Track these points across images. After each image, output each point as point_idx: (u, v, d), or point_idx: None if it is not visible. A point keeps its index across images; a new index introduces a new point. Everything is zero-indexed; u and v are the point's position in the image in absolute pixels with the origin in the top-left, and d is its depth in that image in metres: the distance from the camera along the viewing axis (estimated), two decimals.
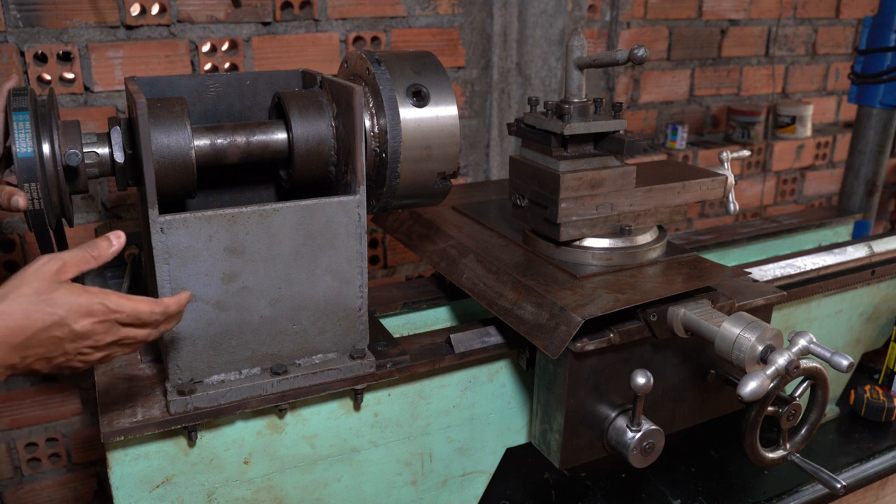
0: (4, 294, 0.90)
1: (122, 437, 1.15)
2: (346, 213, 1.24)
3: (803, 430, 1.42)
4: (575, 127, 1.35)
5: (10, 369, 0.92)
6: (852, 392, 1.99)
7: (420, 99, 1.27)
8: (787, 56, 3.12)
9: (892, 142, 2.20)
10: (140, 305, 0.98)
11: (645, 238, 1.47)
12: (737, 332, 1.22)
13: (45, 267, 0.94)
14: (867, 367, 2.13)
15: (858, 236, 2.25)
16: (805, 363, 1.26)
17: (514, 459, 1.61)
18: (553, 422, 1.36)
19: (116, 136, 1.20)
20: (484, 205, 1.81)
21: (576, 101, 1.39)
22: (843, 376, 1.95)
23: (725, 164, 1.64)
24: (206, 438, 1.24)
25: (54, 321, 0.91)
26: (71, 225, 1.26)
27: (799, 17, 3.08)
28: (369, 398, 1.36)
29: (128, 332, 0.99)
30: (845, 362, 1.18)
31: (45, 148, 1.11)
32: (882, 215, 3.52)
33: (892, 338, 1.98)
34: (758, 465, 1.69)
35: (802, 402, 1.37)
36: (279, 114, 1.33)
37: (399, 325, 1.68)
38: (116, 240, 1.01)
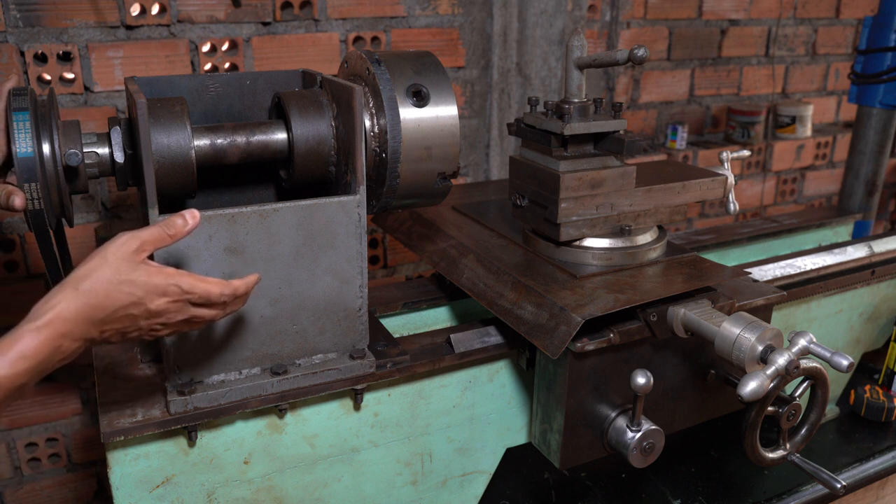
0: (87, 273, 0.95)
1: (122, 437, 1.15)
2: (346, 213, 1.24)
3: (803, 430, 1.42)
4: (575, 127, 1.35)
5: (88, 342, 0.97)
6: (852, 392, 1.99)
7: (420, 99, 1.27)
8: (787, 56, 3.12)
9: (892, 142, 2.20)
10: (211, 287, 1.03)
11: (645, 238, 1.47)
12: (737, 332, 1.22)
13: (124, 246, 0.98)
14: (867, 367, 2.13)
15: (858, 236, 2.25)
16: (805, 363, 1.26)
17: (514, 459, 1.61)
18: (553, 422, 1.36)
19: (116, 136, 1.20)
20: (484, 205, 1.81)
21: (576, 101, 1.39)
22: (843, 376, 1.95)
23: (725, 164, 1.64)
24: (206, 438, 1.24)
25: (132, 301, 0.97)
26: (71, 225, 1.26)
27: (799, 17, 3.08)
28: (369, 398, 1.36)
29: (197, 312, 1.04)
30: (845, 362, 1.18)
31: (45, 148, 1.11)
32: (882, 215, 3.52)
33: (892, 338, 1.98)
34: (758, 465, 1.69)
35: (802, 402, 1.37)
36: (279, 114, 1.33)
37: (399, 325, 1.68)
38: (192, 218, 1.04)
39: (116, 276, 0.95)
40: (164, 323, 1.02)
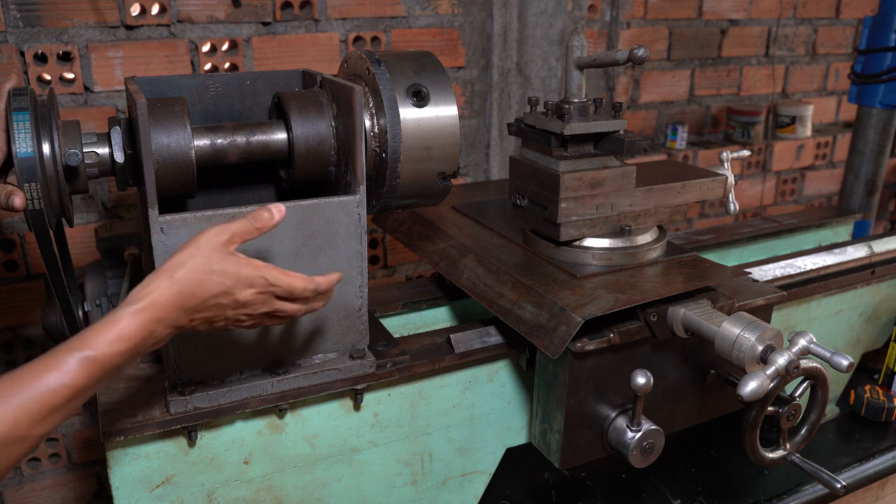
0: (181, 262, 0.98)
1: (122, 437, 1.15)
2: (346, 213, 1.24)
3: (803, 430, 1.42)
4: (575, 127, 1.35)
5: (179, 329, 1.00)
6: (852, 392, 1.99)
7: (420, 99, 1.27)
8: (787, 56, 3.12)
9: (892, 142, 2.20)
10: (295, 282, 1.06)
11: (645, 238, 1.47)
12: (737, 332, 1.22)
13: (216, 237, 1.01)
14: (867, 367, 2.13)
15: (858, 236, 2.25)
16: (805, 363, 1.26)
17: (514, 459, 1.61)
18: (553, 422, 1.36)
19: (116, 136, 1.20)
20: (484, 205, 1.81)
21: (576, 101, 1.39)
22: (843, 376, 1.95)
23: (725, 164, 1.64)
24: (206, 438, 1.24)
25: (223, 290, 1.00)
26: (71, 225, 1.26)
27: (799, 17, 3.08)
28: (369, 398, 1.36)
29: (281, 305, 1.07)
30: (845, 362, 1.18)
31: (45, 148, 1.11)
32: (882, 215, 3.53)
33: (892, 338, 1.98)
34: (758, 465, 1.69)
35: (802, 402, 1.37)
36: (279, 114, 1.33)
37: (399, 325, 1.68)
38: (278, 212, 1.07)
39: (209, 265, 0.99)
40: (250, 314, 1.05)
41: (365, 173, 1.23)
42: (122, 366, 0.93)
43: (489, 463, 1.54)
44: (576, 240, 1.44)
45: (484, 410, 1.48)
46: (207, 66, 2.01)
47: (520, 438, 1.55)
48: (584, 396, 1.33)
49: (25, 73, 1.82)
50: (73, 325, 1.28)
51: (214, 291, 0.99)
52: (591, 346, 1.27)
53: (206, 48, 1.99)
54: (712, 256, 1.99)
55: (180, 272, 0.97)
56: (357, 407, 1.35)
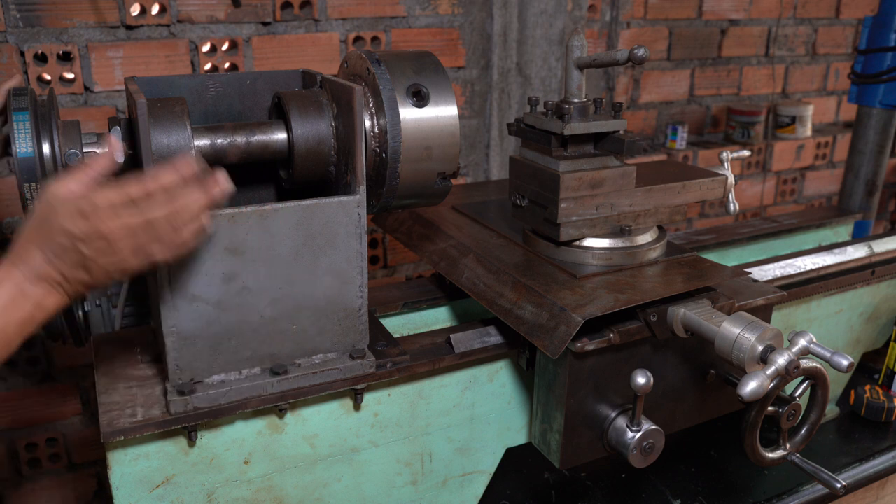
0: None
1: (122, 437, 1.15)
2: (346, 213, 1.24)
3: (803, 430, 1.42)
4: (575, 127, 1.35)
5: (55, 284, 0.90)
6: (852, 392, 1.99)
7: (420, 99, 1.27)
8: (787, 56, 3.12)
9: (892, 142, 2.20)
10: (129, 188, 0.86)
11: (645, 238, 1.47)
12: (737, 332, 1.22)
13: (58, 189, 0.89)
14: (867, 367, 2.13)
15: (858, 236, 2.25)
16: (805, 363, 1.26)
17: (514, 459, 1.61)
18: (553, 422, 1.36)
19: (116, 136, 1.20)
20: (484, 205, 1.81)
21: (576, 101, 1.39)
22: (843, 376, 1.95)
23: (725, 164, 1.64)
24: (206, 438, 1.24)
25: (57, 230, 0.88)
26: None
27: (799, 17, 3.09)
28: (369, 398, 1.36)
29: (149, 216, 0.86)
30: (845, 362, 1.18)
31: (45, 148, 1.11)
32: (882, 215, 3.53)
33: (892, 338, 1.98)
34: (758, 465, 1.69)
35: (802, 402, 1.37)
36: (279, 114, 1.33)
37: (399, 325, 1.68)
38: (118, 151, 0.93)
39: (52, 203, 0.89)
40: (121, 248, 0.88)
41: (365, 173, 1.23)
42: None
43: (489, 463, 1.54)
44: (576, 240, 1.44)
45: (484, 410, 1.48)
46: (207, 66, 2.01)
47: (520, 438, 1.55)
48: (584, 396, 1.33)
49: (25, 73, 1.82)
50: (73, 325, 1.29)
51: (67, 227, 0.86)
52: (591, 346, 1.27)
53: (206, 48, 1.99)
54: (712, 256, 1.99)
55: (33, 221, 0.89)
56: (357, 407, 1.35)
